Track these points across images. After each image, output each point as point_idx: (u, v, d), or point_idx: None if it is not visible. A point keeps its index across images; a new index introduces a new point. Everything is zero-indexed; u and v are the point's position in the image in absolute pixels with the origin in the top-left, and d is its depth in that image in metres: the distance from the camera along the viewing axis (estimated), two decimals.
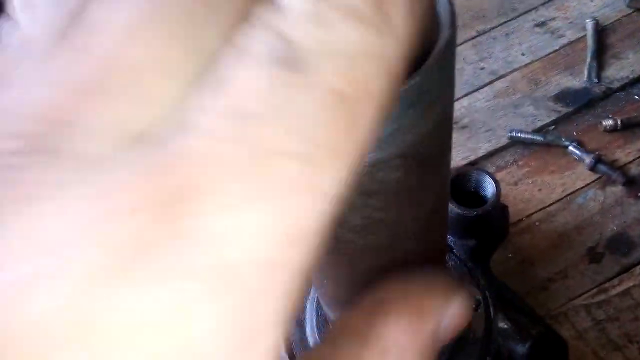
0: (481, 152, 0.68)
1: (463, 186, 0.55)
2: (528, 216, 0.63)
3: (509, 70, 0.74)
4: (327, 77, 0.11)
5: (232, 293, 0.11)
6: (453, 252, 0.54)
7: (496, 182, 0.53)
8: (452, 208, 0.53)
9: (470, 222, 0.53)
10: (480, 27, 0.78)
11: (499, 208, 0.55)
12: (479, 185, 0.54)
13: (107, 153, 0.11)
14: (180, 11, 0.12)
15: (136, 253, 0.11)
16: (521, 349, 0.47)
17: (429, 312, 0.17)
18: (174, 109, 0.12)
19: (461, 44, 0.77)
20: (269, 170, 0.11)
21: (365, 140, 0.12)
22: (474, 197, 0.55)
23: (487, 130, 0.69)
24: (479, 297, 0.51)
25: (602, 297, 0.56)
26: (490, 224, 0.54)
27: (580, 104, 0.69)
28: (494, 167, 0.67)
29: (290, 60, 0.12)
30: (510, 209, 0.61)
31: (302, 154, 0.11)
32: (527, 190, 0.65)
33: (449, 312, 0.17)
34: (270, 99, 0.11)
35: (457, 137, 0.70)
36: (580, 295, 0.57)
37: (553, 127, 0.69)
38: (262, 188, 0.11)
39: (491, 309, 0.51)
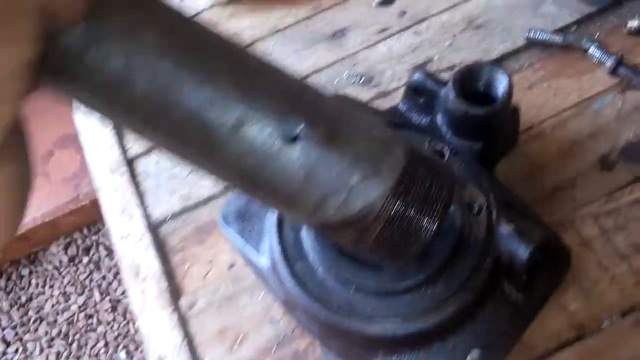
0: (495, 54, 0.65)
1: (473, 84, 0.52)
2: (540, 122, 0.60)
3: None
4: None
5: None
6: (457, 154, 0.52)
7: (509, 79, 0.50)
8: (459, 105, 0.50)
9: (478, 122, 0.51)
10: None
11: (510, 109, 0.52)
12: (490, 84, 0.52)
13: None
14: None
15: None
16: (523, 253, 0.46)
17: None
18: None
19: None
20: None
21: None
22: (483, 97, 0.52)
23: (503, 30, 0.66)
24: (482, 200, 0.50)
25: (611, 205, 0.55)
26: (499, 125, 0.52)
27: (606, 2, 0.65)
28: (508, 71, 0.63)
29: None
30: (522, 115, 0.59)
31: None
32: (542, 95, 0.62)
33: None
34: None
35: (470, 37, 0.66)
36: (588, 204, 0.55)
37: (575, 28, 0.65)
38: None
39: (493, 213, 0.49)
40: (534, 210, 0.54)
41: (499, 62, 0.64)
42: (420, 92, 0.57)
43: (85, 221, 1.66)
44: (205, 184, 0.63)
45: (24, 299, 1.64)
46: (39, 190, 1.58)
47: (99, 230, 1.69)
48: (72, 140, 1.62)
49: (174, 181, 0.64)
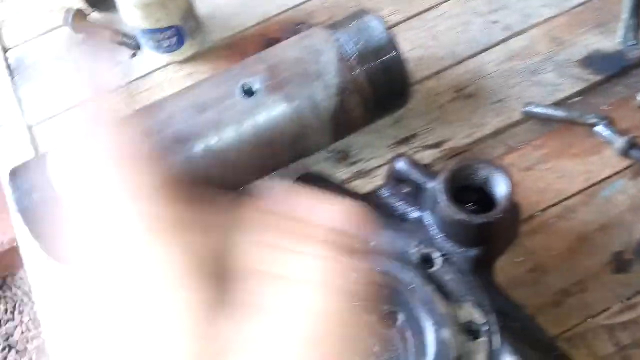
0: (488, 129, 0.59)
1: (466, 181, 0.46)
2: (543, 211, 0.54)
3: (526, 25, 0.64)
4: None
5: None
6: (450, 261, 0.46)
7: (509, 180, 0.44)
8: (452, 212, 0.44)
9: (475, 230, 0.44)
10: None
11: (510, 209, 0.46)
12: (486, 182, 0.45)
13: None
14: None
15: None
16: None
17: None
18: None
19: None
20: None
21: None
22: (478, 192, 0.46)
23: (496, 102, 0.60)
24: (482, 321, 0.43)
25: (628, 316, 0.49)
26: (498, 230, 0.45)
27: (613, 71, 0.60)
28: (503, 148, 0.58)
29: None
30: (522, 201, 0.53)
31: None
32: (543, 177, 0.56)
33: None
34: None
35: (460, 108, 0.60)
36: (601, 313, 0.49)
37: (578, 99, 0.59)
38: None
39: (495, 338, 0.43)
40: (540, 323, 0.47)
41: (494, 137, 0.58)
42: (404, 182, 0.50)
43: None
44: None
45: None
46: (4, 213, 1.51)
47: None
48: None
49: None
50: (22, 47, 0.73)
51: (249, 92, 0.53)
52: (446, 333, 0.43)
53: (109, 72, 0.27)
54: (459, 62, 0.63)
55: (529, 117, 0.59)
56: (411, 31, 0.65)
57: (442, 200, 0.44)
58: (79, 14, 0.71)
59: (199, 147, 0.52)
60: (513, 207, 0.48)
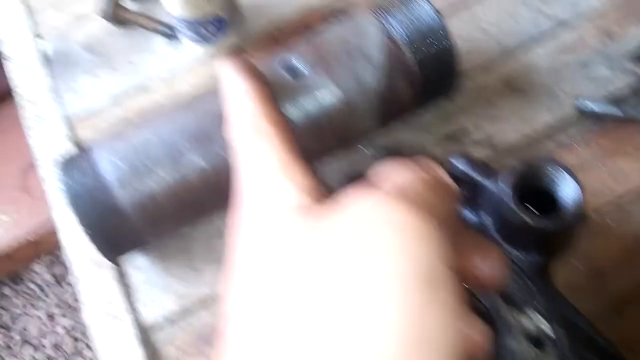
0: (539, 125, 0.57)
1: (531, 181, 0.44)
2: (596, 211, 0.52)
3: (577, 18, 0.61)
4: None
5: None
6: (513, 270, 0.44)
7: (579, 182, 0.42)
8: (518, 215, 0.42)
9: (541, 234, 0.42)
10: None
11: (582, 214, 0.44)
12: (552, 184, 0.43)
13: None
14: None
15: None
16: None
17: None
18: None
19: None
20: None
21: None
22: (541, 195, 0.44)
23: (547, 96, 0.58)
24: (549, 331, 0.42)
25: None
26: (565, 236, 0.43)
27: None
28: (555, 145, 0.56)
29: None
30: None
31: None
32: (598, 177, 0.54)
33: None
34: None
35: (510, 102, 0.58)
36: None
37: (629, 94, 0.57)
38: None
39: (562, 349, 0.41)
40: (605, 334, 0.45)
41: (545, 133, 0.56)
42: (461, 181, 0.48)
43: None
44: (206, 280, 0.54)
45: (7, 320, 1.56)
46: (19, 206, 1.51)
47: None
48: None
49: (168, 276, 0.55)
50: (57, 37, 0.71)
51: (291, 70, 0.51)
52: (512, 342, 0.42)
53: None
54: (508, 56, 0.60)
55: (580, 112, 0.57)
56: (458, 23, 0.62)
57: (509, 202, 0.42)
58: (115, 3, 0.68)
59: None
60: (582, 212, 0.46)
